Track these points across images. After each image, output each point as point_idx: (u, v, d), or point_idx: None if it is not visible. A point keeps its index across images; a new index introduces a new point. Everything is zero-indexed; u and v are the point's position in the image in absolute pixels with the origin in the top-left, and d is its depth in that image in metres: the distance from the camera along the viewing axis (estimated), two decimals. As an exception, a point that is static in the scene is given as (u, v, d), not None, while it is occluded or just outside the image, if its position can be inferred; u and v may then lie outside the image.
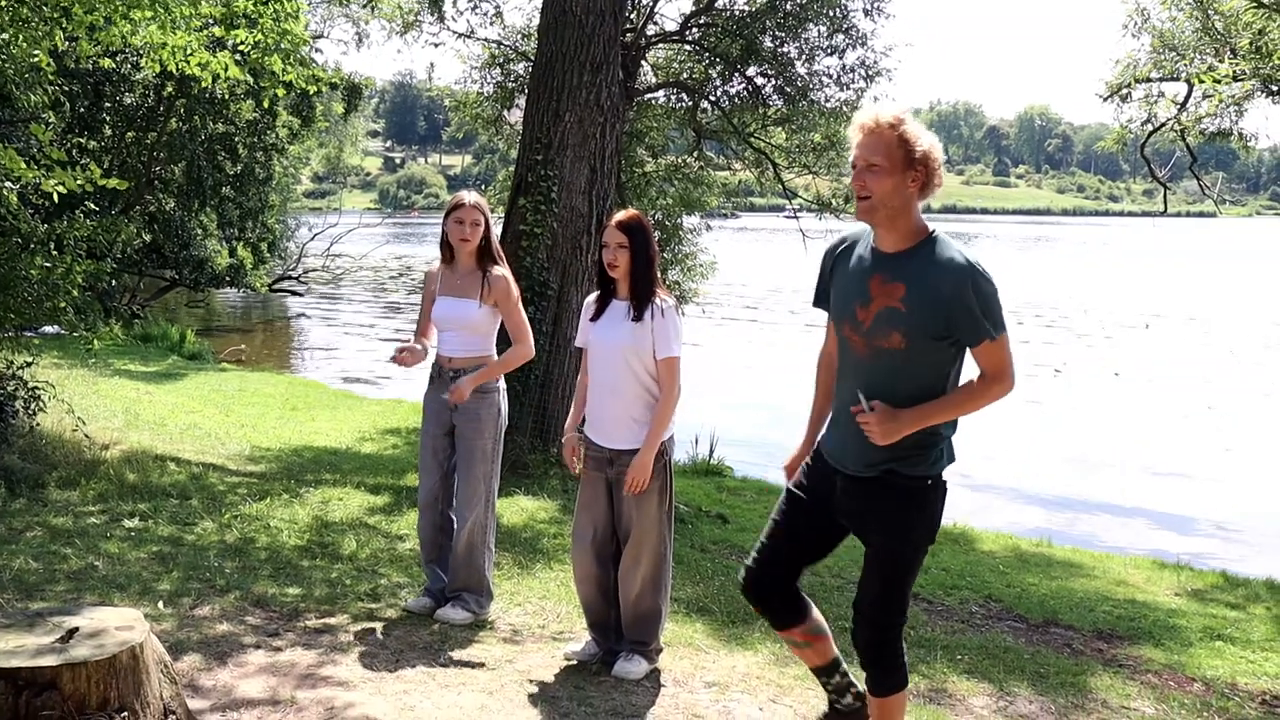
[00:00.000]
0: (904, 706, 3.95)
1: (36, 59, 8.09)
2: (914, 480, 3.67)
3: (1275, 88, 12.49)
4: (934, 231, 3.60)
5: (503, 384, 5.67)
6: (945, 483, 3.76)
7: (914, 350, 3.55)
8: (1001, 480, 14.70)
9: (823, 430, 3.99)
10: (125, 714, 3.51)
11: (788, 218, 16.90)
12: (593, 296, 5.06)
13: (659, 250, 5.06)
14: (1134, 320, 34.37)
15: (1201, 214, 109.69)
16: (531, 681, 4.85)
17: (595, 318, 4.98)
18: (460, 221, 5.49)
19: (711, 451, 13.35)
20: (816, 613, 4.12)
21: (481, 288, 5.51)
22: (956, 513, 11.11)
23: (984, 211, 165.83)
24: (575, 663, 5.11)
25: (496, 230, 5.95)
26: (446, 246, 5.60)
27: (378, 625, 5.44)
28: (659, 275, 4.98)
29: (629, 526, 4.94)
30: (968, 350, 3.60)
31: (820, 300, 3.90)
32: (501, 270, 5.56)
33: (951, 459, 3.75)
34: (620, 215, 4.91)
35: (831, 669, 4.17)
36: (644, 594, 4.99)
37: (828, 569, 7.37)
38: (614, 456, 4.92)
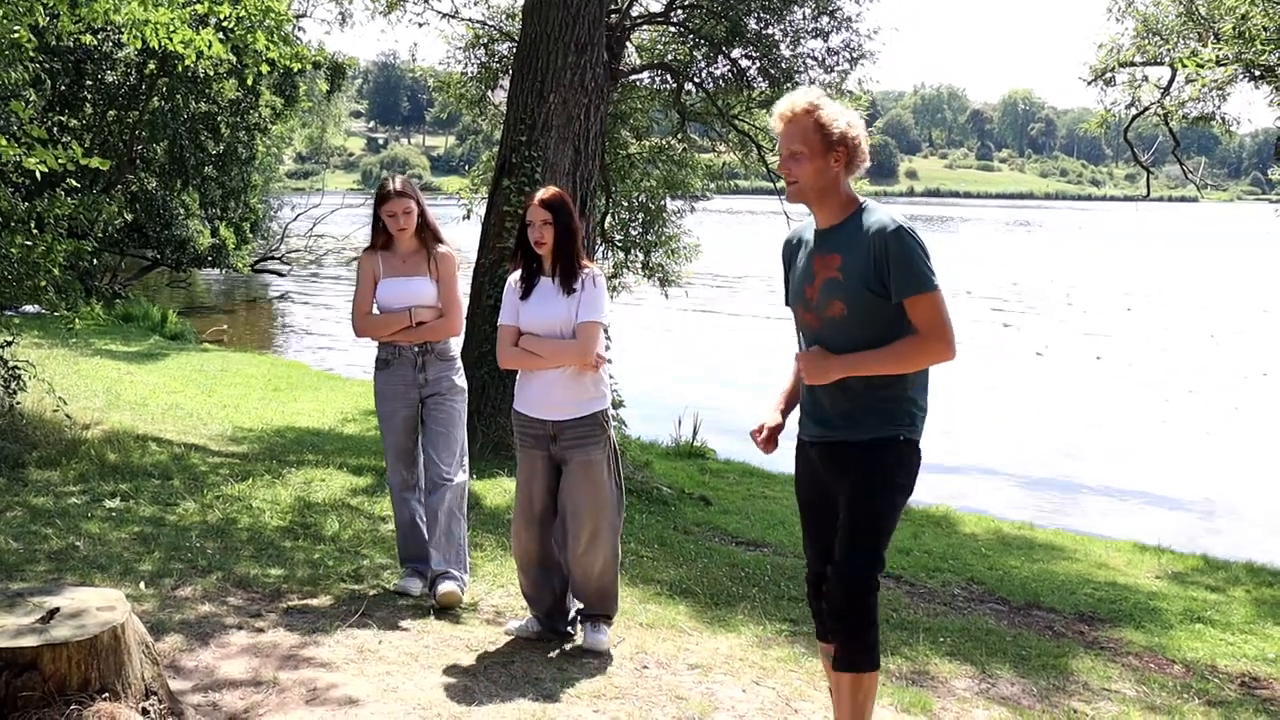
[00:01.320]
0: (873, 695, 3.80)
1: (17, 35, 7.99)
2: (881, 437, 3.70)
3: (1257, 72, 12.51)
4: (863, 202, 3.75)
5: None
6: (919, 447, 3.78)
7: (854, 314, 3.66)
8: (983, 463, 14.76)
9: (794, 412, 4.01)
10: (106, 695, 3.50)
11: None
12: (515, 276, 5.08)
13: (580, 227, 5.15)
14: (1115, 304, 34.50)
15: (1184, 198, 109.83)
16: (515, 663, 4.85)
17: (524, 297, 5.00)
18: (393, 215, 5.53)
19: (695, 434, 13.36)
20: None
21: (429, 264, 5.58)
22: (939, 495, 11.18)
23: (967, 195, 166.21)
24: (560, 644, 5.13)
25: (460, 211, 6.00)
26: (381, 232, 5.62)
27: (360, 606, 5.42)
28: (583, 250, 5.05)
29: (579, 503, 4.96)
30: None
31: (789, 299, 3.98)
32: (445, 247, 5.65)
33: (921, 429, 3.79)
34: (542, 193, 4.99)
35: None
36: (605, 569, 5.05)
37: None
38: (557, 432, 4.95)
